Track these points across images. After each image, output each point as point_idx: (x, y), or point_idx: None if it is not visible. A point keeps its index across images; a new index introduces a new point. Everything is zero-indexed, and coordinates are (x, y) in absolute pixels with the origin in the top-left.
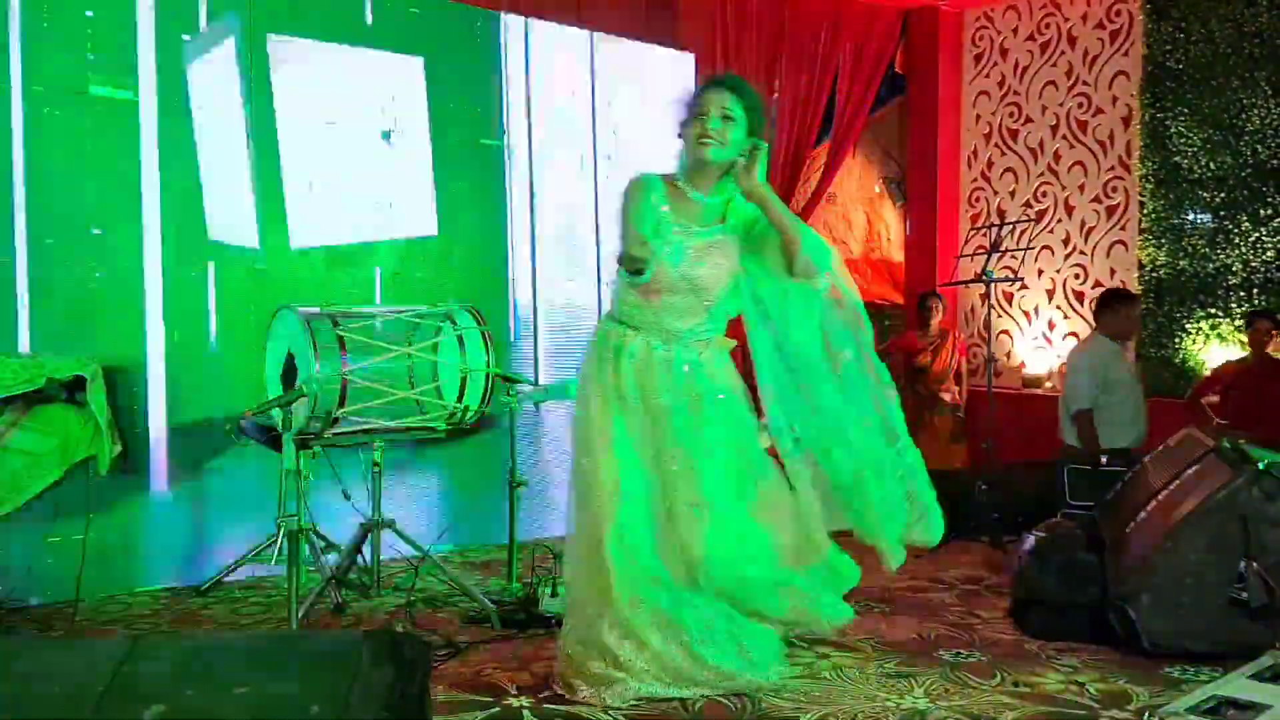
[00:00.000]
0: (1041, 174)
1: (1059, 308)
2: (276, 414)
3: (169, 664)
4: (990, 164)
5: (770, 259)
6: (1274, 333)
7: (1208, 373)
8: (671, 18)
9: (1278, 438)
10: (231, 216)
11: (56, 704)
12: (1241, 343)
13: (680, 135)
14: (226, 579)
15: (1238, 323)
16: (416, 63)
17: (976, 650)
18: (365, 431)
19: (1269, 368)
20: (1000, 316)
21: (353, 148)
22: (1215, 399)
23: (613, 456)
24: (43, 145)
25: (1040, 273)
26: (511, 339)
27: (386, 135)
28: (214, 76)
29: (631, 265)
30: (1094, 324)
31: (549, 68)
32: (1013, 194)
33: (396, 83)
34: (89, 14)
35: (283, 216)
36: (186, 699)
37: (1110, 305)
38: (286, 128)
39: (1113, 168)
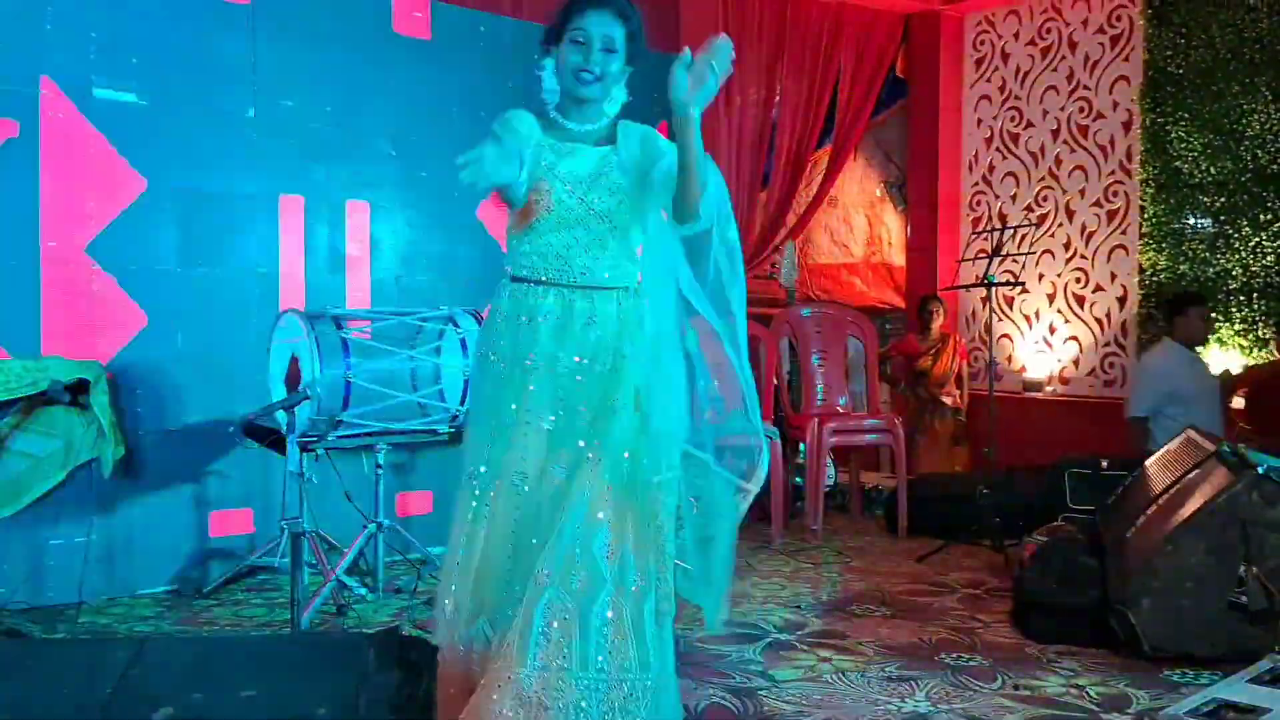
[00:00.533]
0: (1042, 178)
1: (1060, 312)
2: (280, 416)
3: (176, 666)
4: (991, 168)
5: (651, 197)
6: None
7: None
8: (673, 23)
9: None
10: (234, 219)
11: (66, 705)
12: (1241, 346)
13: (546, 55)
14: (229, 581)
15: (1238, 327)
16: None
17: (978, 654)
18: (368, 434)
19: None
20: (1001, 320)
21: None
22: (1241, 404)
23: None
24: (47, 147)
25: (1041, 277)
26: None
27: (390, 139)
28: (216, 78)
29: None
30: (1168, 330)
31: None
32: (1014, 198)
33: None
34: (92, 15)
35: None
36: (194, 701)
37: (1182, 309)
38: (289, 128)
39: (1113, 172)
